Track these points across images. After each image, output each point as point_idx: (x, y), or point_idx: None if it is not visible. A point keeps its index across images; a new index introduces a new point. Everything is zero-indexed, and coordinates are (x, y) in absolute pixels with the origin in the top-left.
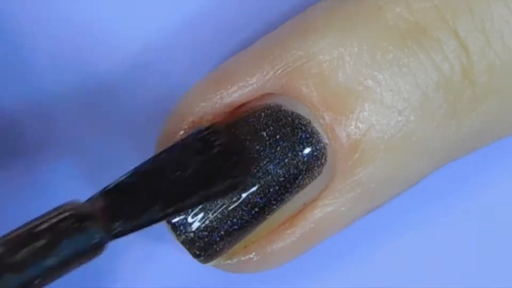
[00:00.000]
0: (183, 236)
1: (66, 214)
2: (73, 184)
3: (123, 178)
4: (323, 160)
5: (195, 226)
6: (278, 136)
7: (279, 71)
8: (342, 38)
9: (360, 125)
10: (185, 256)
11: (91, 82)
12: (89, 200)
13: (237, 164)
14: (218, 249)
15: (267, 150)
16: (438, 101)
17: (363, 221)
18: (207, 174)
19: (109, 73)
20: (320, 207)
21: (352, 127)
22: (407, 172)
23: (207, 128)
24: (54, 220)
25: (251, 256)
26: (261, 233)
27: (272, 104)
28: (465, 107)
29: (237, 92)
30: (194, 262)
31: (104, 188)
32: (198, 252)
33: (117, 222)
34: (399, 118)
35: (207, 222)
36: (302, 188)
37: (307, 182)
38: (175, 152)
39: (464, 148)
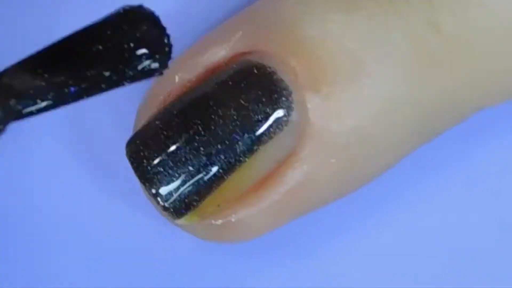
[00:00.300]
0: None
1: None
2: None
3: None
4: (289, 106)
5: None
6: (242, 84)
7: (246, 30)
8: None
9: (324, 72)
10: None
11: None
12: None
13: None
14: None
15: (231, 96)
16: (405, 52)
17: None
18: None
19: None
20: (292, 167)
21: (316, 74)
22: (378, 126)
23: None
24: None
25: (224, 218)
26: (232, 194)
27: (241, 59)
28: (433, 61)
29: (211, 56)
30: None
31: (8, 68)
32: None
33: (13, 100)
34: (363, 65)
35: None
36: (268, 137)
37: (275, 130)
38: None
39: (442, 110)
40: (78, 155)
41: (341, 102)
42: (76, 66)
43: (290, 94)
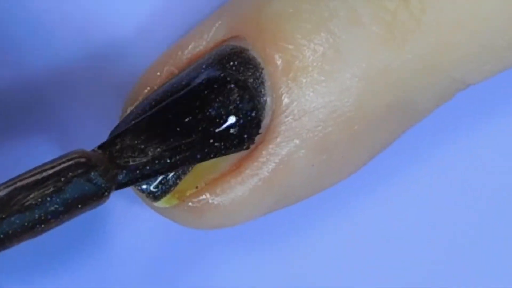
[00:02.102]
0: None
1: (73, 161)
2: None
3: (129, 130)
4: (261, 83)
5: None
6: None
7: (223, 20)
8: None
9: (293, 45)
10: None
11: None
12: (98, 147)
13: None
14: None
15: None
16: (368, 18)
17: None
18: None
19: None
20: (268, 146)
21: (284, 47)
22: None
23: None
24: (61, 166)
25: (202, 199)
26: (210, 175)
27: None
28: (400, 28)
29: (193, 48)
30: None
31: (112, 137)
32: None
33: (121, 173)
34: (332, 36)
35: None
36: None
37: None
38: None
39: (413, 82)
40: None
41: (314, 82)
42: (172, 137)
43: (262, 69)
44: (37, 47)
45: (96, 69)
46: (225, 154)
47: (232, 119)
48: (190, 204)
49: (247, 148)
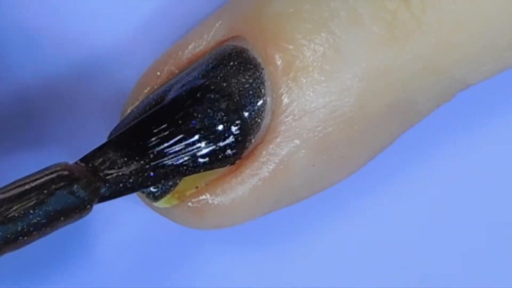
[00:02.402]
0: None
1: (56, 174)
2: None
3: (111, 142)
4: (262, 83)
5: None
6: (219, 67)
7: (223, 20)
8: None
9: (293, 45)
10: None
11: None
12: (79, 161)
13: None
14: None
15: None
16: (369, 17)
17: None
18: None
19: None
20: (268, 147)
21: (285, 48)
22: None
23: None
24: (44, 179)
25: (202, 199)
26: (210, 175)
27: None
28: (401, 27)
29: (193, 48)
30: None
31: (94, 150)
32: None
33: (103, 186)
34: (333, 36)
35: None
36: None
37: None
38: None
39: (414, 82)
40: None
41: (314, 82)
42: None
43: (262, 69)
44: (36, 47)
45: (96, 69)
46: (211, 168)
47: (214, 131)
48: (190, 204)
49: (233, 163)
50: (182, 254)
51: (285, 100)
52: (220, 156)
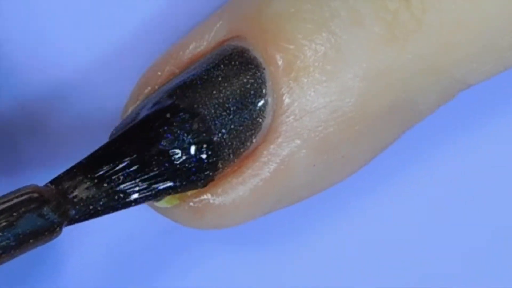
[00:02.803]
0: None
1: (25, 196)
2: None
3: (81, 164)
4: (263, 83)
5: None
6: (220, 67)
7: (224, 20)
8: None
9: (294, 45)
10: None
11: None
12: (50, 183)
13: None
14: None
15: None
16: (369, 17)
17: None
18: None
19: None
20: (269, 147)
21: (286, 48)
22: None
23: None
24: (13, 201)
25: (203, 199)
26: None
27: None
28: (402, 27)
29: (194, 48)
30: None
31: (63, 172)
32: None
33: (73, 208)
34: (333, 36)
35: None
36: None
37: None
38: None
39: (415, 82)
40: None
41: (315, 82)
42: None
43: (264, 76)
44: (35, 47)
45: (97, 70)
46: (182, 191)
47: (187, 153)
48: (191, 204)
49: (204, 186)
50: (182, 254)
51: (286, 100)
52: (190, 179)
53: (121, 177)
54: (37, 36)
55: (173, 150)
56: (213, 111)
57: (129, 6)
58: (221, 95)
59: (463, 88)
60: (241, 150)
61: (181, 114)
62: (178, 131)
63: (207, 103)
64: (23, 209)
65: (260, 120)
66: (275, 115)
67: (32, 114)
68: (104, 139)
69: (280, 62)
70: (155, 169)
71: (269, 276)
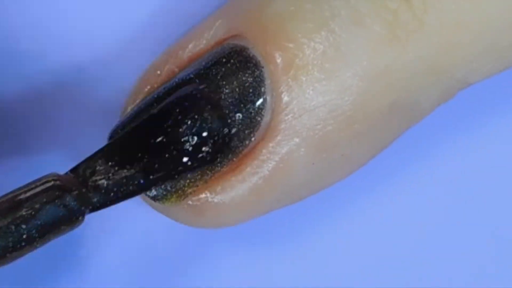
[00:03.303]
0: None
1: (47, 185)
2: None
3: (101, 152)
4: (262, 81)
5: None
6: (219, 66)
7: (224, 19)
8: None
9: (293, 43)
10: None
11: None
12: (71, 171)
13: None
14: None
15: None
16: (370, 17)
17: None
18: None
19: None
20: (268, 145)
21: (285, 46)
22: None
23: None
24: (34, 191)
25: (202, 197)
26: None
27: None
28: (403, 27)
29: (194, 47)
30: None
31: (84, 160)
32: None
33: (95, 196)
34: (334, 36)
35: None
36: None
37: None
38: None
39: (415, 83)
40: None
41: (314, 80)
42: (144, 158)
43: (263, 74)
44: (35, 47)
45: (96, 69)
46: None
47: (202, 137)
48: (190, 202)
49: (221, 167)
50: (181, 253)
51: (285, 98)
52: (207, 159)
53: (141, 163)
54: (38, 35)
55: (179, 147)
56: (212, 110)
57: (130, 4)
58: (220, 93)
59: (463, 87)
60: (240, 148)
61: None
62: (181, 127)
63: (207, 102)
64: (44, 198)
65: (259, 118)
66: (274, 113)
67: (35, 110)
68: (103, 138)
69: (279, 61)
70: (173, 153)
71: (269, 276)
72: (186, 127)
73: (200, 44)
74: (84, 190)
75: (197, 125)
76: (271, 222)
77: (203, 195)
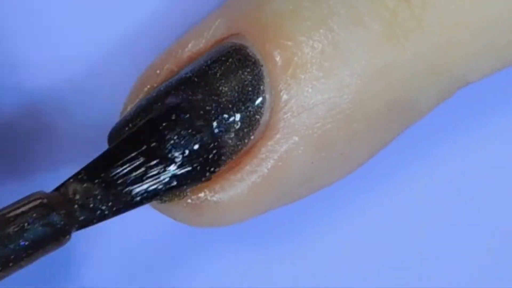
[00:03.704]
0: None
1: (33, 204)
2: None
3: (86, 169)
4: (260, 80)
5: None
6: (218, 64)
7: (223, 18)
8: None
9: (292, 41)
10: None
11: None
12: (57, 189)
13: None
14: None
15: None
16: (369, 15)
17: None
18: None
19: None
20: (267, 144)
21: (284, 44)
22: (350, 88)
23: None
24: (21, 209)
25: (201, 195)
26: None
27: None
28: (402, 26)
29: (193, 46)
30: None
31: (70, 178)
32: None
33: (81, 214)
34: (333, 40)
35: None
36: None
37: (250, 107)
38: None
39: (414, 82)
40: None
41: (313, 78)
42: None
43: (261, 66)
44: (35, 47)
45: (96, 69)
46: (187, 188)
47: (190, 151)
48: (189, 201)
49: (208, 179)
50: (180, 253)
51: (284, 96)
52: (194, 176)
53: (127, 179)
54: (38, 36)
55: (175, 149)
56: (212, 108)
57: (128, 5)
58: (219, 92)
59: (463, 85)
60: (239, 147)
61: (180, 112)
62: (179, 130)
63: (206, 100)
64: (31, 217)
65: (258, 117)
66: (273, 112)
67: (34, 116)
68: (104, 138)
69: (278, 59)
70: (159, 169)
71: (269, 276)
72: (169, 140)
73: (199, 43)
74: (70, 208)
75: (186, 139)
76: (270, 221)
77: (202, 194)
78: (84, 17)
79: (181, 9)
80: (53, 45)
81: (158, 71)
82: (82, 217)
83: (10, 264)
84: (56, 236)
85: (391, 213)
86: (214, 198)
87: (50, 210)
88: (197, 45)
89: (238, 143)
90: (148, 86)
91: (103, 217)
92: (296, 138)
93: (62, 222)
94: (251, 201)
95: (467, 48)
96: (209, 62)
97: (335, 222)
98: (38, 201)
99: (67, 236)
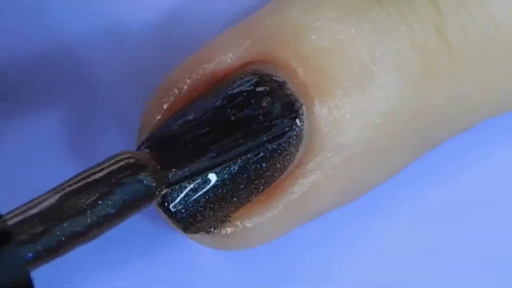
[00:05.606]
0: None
1: (122, 163)
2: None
3: (174, 127)
4: (299, 118)
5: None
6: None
7: (254, 40)
8: (314, 2)
9: (333, 83)
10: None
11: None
12: (144, 148)
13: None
14: (199, 218)
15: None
16: (413, 61)
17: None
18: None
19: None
20: (300, 177)
21: (325, 85)
22: (385, 137)
23: None
24: (110, 169)
25: (232, 228)
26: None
27: (249, 71)
28: (441, 70)
29: (217, 64)
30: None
31: (158, 137)
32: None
33: (170, 172)
34: (374, 79)
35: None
36: (282, 155)
37: (285, 147)
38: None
39: (445, 121)
40: (81, 157)
41: (349, 113)
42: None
43: (300, 105)
44: (37, 48)
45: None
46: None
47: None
48: (220, 231)
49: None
50: (180, 253)
51: (320, 135)
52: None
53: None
54: (41, 36)
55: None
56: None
57: (133, 6)
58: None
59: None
60: (271, 181)
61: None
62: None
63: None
64: (120, 176)
65: (294, 150)
66: (307, 148)
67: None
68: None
69: (318, 99)
70: (248, 130)
71: (269, 276)
72: (265, 104)
73: (223, 62)
74: (159, 166)
75: (277, 100)
76: None
77: (233, 224)
78: (85, 18)
79: (185, 10)
80: (54, 46)
81: (177, 85)
82: (170, 176)
83: (101, 221)
84: (146, 196)
85: (391, 213)
86: (243, 227)
87: (139, 169)
88: (221, 63)
89: (270, 176)
90: (166, 106)
91: (191, 176)
92: (328, 174)
93: (151, 181)
94: (279, 228)
95: (500, 95)
96: (246, 94)
97: (335, 222)
98: (126, 160)
99: (157, 194)
